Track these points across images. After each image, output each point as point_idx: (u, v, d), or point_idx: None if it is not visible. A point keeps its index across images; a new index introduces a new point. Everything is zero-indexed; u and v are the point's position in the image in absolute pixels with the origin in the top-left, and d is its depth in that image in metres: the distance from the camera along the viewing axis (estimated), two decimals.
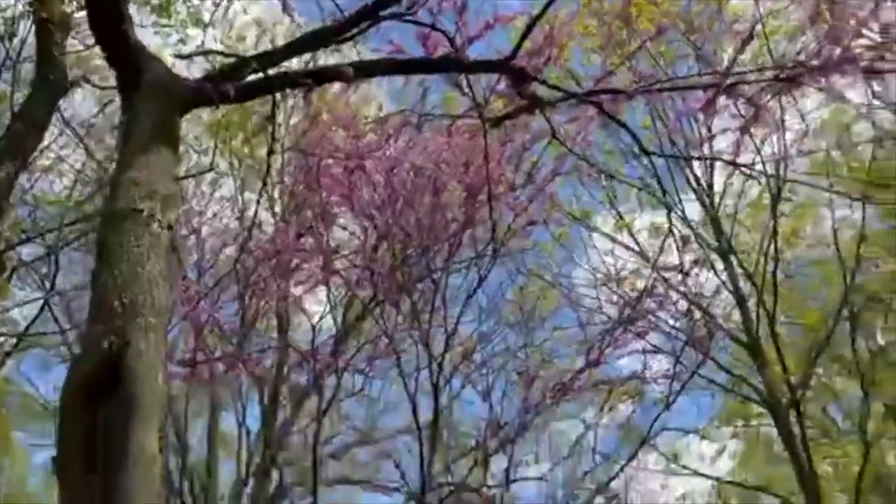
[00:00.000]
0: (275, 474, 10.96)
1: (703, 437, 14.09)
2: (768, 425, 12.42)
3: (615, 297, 9.64)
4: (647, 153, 6.67)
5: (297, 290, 8.92)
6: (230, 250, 9.54)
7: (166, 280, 2.61)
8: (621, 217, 10.55)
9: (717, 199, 10.83)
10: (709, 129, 7.79)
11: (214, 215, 10.45)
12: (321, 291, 9.14)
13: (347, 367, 9.42)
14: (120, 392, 2.25)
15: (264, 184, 7.40)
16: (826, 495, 11.96)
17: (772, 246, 10.24)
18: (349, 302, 10.08)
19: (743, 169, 7.53)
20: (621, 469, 9.10)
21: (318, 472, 9.40)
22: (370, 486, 12.21)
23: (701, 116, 7.15)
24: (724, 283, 10.33)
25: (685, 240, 9.04)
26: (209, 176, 10.43)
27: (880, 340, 11.15)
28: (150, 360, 2.32)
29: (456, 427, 11.11)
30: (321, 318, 9.08)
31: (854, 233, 10.51)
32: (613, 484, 9.90)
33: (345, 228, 8.71)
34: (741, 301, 10.49)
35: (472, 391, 10.00)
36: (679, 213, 10.11)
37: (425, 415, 8.77)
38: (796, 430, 10.49)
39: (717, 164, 10.69)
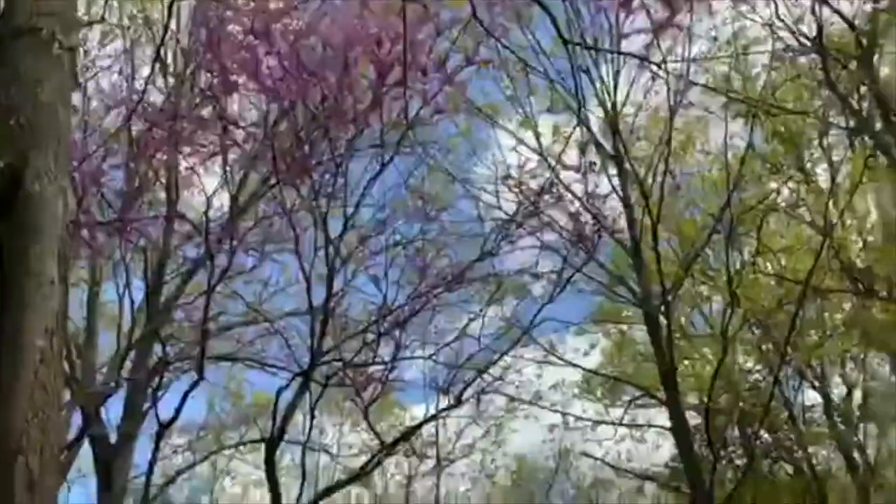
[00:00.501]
0: (157, 348, 10.82)
1: (578, 333, 15.00)
2: (637, 324, 13.28)
3: (513, 195, 9.87)
4: (565, 42, 6.69)
5: (190, 160, 8.58)
6: (119, 111, 8.96)
7: (67, 107, 2.44)
8: (527, 116, 10.68)
9: (618, 107, 11.11)
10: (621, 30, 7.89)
11: (104, 70, 9.73)
12: (216, 164, 8.83)
13: (240, 244, 9.28)
14: (19, 215, 2.13)
15: (163, 39, 6.92)
16: (683, 390, 13.18)
17: (663, 156, 10.68)
18: (245, 177, 9.81)
19: (652, 68, 7.72)
20: (501, 356, 9.60)
21: (205, 348, 9.34)
22: (257, 365, 12.29)
23: (615, 15, 7.21)
24: (614, 188, 10.77)
25: (585, 143, 9.27)
26: (97, 30, 9.66)
27: (748, 254, 12.01)
28: (51, 185, 2.19)
29: (348, 311, 11.25)
30: (215, 192, 8.80)
31: (740, 150, 11.09)
32: (493, 370, 10.44)
33: (246, 100, 8.37)
34: (628, 207, 10.99)
35: (367, 278, 10.13)
36: (583, 115, 10.30)
37: (318, 299, 8.86)
38: (663, 331, 11.34)
39: (622, 73, 10.97)
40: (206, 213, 8.70)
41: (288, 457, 18.87)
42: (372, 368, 10.01)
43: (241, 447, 17.37)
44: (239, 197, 9.88)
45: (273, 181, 9.06)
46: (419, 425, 10.19)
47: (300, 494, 9.22)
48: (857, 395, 16.64)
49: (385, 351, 9.87)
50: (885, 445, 16.69)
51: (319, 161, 8.57)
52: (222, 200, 9.74)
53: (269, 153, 7.99)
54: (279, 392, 8.21)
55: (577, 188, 9.94)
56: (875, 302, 13.35)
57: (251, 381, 17.30)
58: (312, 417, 9.66)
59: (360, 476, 9.97)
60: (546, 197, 9.04)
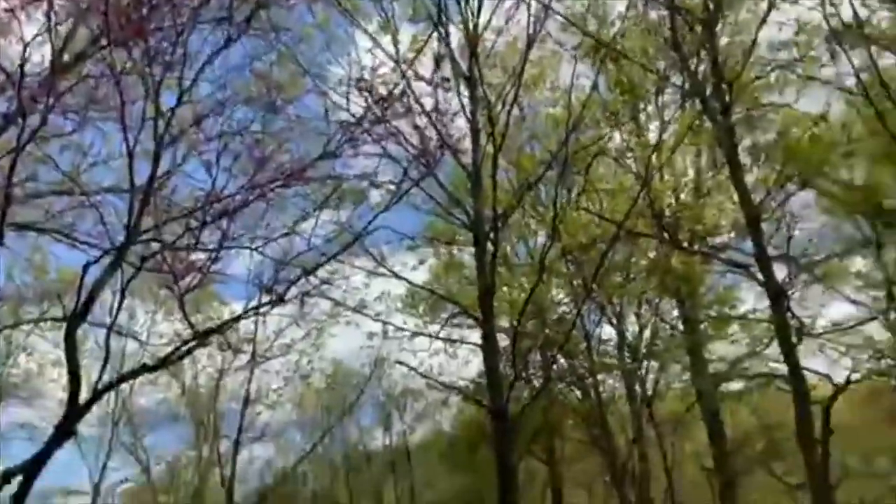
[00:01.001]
0: None
1: (410, 248, 15.29)
2: (467, 246, 13.73)
3: (363, 99, 9.68)
4: None
5: (10, 1, 7.60)
6: None
7: None
8: (388, 19, 10.42)
9: (479, 28, 11.14)
10: None
11: None
12: (41, 11, 7.89)
13: (58, 103, 8.45)
14: None
15: None
16: (497, 313, 13.96)
17: (514, 86, 10.91)
18: (74, 30, 8.86)
19: None
20: (329, 259, 9.57)
21: (6, 213, 8.52)
22: (65, 238, 11.42)
23: None
24: (464, 109, 10.89)
25: (441, 57, 9.23)
26: None
27: (575, 191, 12.65)
28: None
29: (173, 195, 10.66)
30: (34, 38, 7.87)
31: (584, 94, 11.57)
32: (320, 273, 10.39)
33: None
34: (475, 130, 11.19)
35: (198, 162, 9.60)
36: (444, 29, 10.23)
37: (141, 178, 8.32)
38: (488, 256, 11.84)
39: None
40: (21, 64, 7.80)
41: (92, 339, 18.00)
42: (193, 256, 9.63)
43: (42, 323, 16.32)
44: (64, 52, 8.95)
45: (104, 41, 8.26)
46: (236, 318, 9.97)
47: (100, 377, 8.83)
48: (647, 334, 18.39)
49: (210, 240, 9.52)
50: (662, 380, 18.71)
51: (159, 26, 7.92)
52: (44, 54, 8.77)
53: (101, 5, 7.24)
54: (86, 266, 7.67)
55: (427, 103, 9.95)
56: (676, 252, 14.71)
57: (57, 255, 16.14)
58: (122, 299, 9.16)
59: (166, 363, 9.65)
60: (395, 105, 8.96)
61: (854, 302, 18.04)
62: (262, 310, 10.35)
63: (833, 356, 14.87)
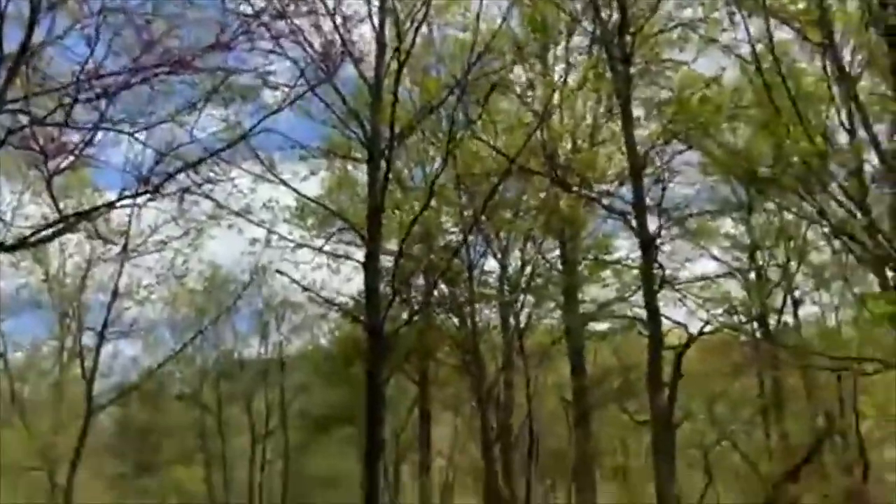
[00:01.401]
0: None
1: (301, 158, 14.94)
2: (362, 162, 13.52)
3: None
4: None
5: None
6: None
7: None
8: None
9: None
10: None
11: None
12: None
13: None
14: None
15: None
16: (386, 233, 13.99)
17: (425, 5, 10.67)
18: None
19: None
20: (213, 154, 9.21)
21: None
22: None
23: None
24: (371, 19, 10.58)
25: None
26: None
27: (473, 115, 12.59)
28: None
29: (48, 67, 9.87)
30: None
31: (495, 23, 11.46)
32: (204, 171, 10.00)
33: None
34: (381, 43, 10.91)
35: (78, 35, 8.88)
36: None
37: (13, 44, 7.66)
38: (382, 174, 11.75)
39: None
40: None
41: None
42: (66, 137, 9.04)
43: None
44: None
45: None
46: (108, 204, 9.54)
47: None
48: (528, 270, 18.97)
49: (86, 122, 8.93)
50: (535, 315, 19.48)
51: None
52: None
53: None
54: None
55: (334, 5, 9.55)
56: (565, 195, 15.12)
57: None
58: None
59: (26, 244, 9.16)
60: (299, 2, 8.56)
61: (718, 260, 19.27)
62: (137, 200, 9.91)
63: (692, 308, 15.90)
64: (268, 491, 33.93)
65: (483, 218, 15.49)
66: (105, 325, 20.29)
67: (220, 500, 30.22)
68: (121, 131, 8.65)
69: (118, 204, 9.66)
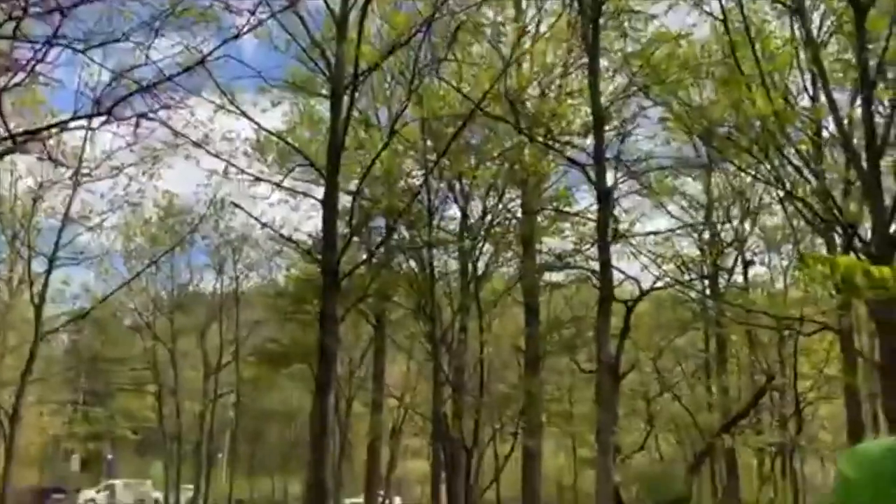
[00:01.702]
0: None
1: (261, 89, 14.62)
2: (327, 99, 13.28)
3: None
4: None
5: None
6: None
7: None
8: None
9: None
10: None
11: None
12: None
13: None
14: None
15: None
16: (347, 174, 13.94)
17: None
18: None
19: None
20: (171, 78, 8.93)
21: None
22: None
23: None
24: None
25: None
26: None
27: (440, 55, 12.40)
28: None
29: None
30: None
31: None
32: (162, 97, 9.72)
33: None
34: None
35: None
36: None
37: None
38: (344, 111, 11.59)
39: None
40: None
41: None
42: (17, 53, 8.70)
43: None
44: None
45: None
46: (59, 123, 9.25)
47: None
48: (489, 217, 19.05)
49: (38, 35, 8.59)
50: (493, 262, 19.65)
51: None
52: None
53: None
54: None
55: None
56: (529, 144, 15.11)
57: None
58: None
59: None
60: None
61: (675, 217, 19.57)
62: (91, 123, 9.65)
63: (645, 262, 16.18)
64: (219, 422, 34.19)
65: (446, 163, 15.43)
66: (56, 251, 19.86)
67: (172, 429, 30.37)
68: (74, 49, 8.35)
69: (71, 125, 9.38)
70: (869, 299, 8.75)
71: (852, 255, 8.09)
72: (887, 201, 8.61)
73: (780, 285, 22.59)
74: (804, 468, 22.19)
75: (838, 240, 14.09)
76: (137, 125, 10.56)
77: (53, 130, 10.17)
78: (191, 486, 32.97)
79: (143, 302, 30.05)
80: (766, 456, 22.06)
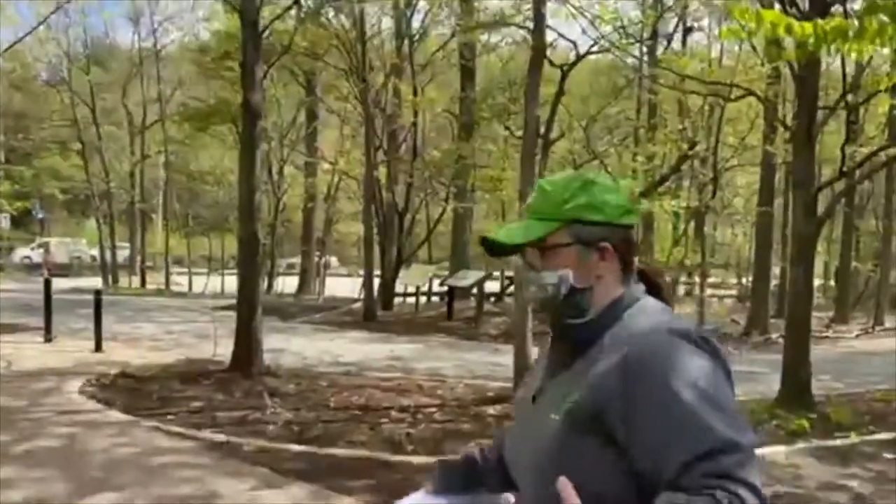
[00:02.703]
0: None
1: None
2: None
3: None
4: None
5: None
6: None
7: None
8: None
9: None
10: None
11: None
12: None
13: None
14: None
15: None
16: None
17: None
18: None
19: None
20: None
21: None
22: None
23: None
24: None
25: None
26: None
27: None
28: None
29: None
30: None
31: None
32: None
33: None
34: None
35: None
36: None
37: None
38: None
39: None
40: None
41: None
42: None
43: None
44: None
45: None
46: None
47: None
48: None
49: None
50: (429, 18, 18.81)
51: None
52: None
53: None
54: None
55: None
56: None
57: None
58: None
59: None
60: None
61: None
62: None
63: (584, 25, 15.70)
64: (150, 183, 33.92)
65: None
66: None
67: (101, 188, 30.03)
68: None
69: None
70: (792, 63, 8.84)
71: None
72: None
73: (715, 54, 22.56)
74: (715, 231, 23.77)
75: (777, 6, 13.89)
76: None
77: None
78: (126, 245, 33.39)
79: (57, 55, 28.18)
80: (681, 220, 23.45)
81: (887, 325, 21.38)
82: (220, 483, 5.08)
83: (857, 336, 19.30)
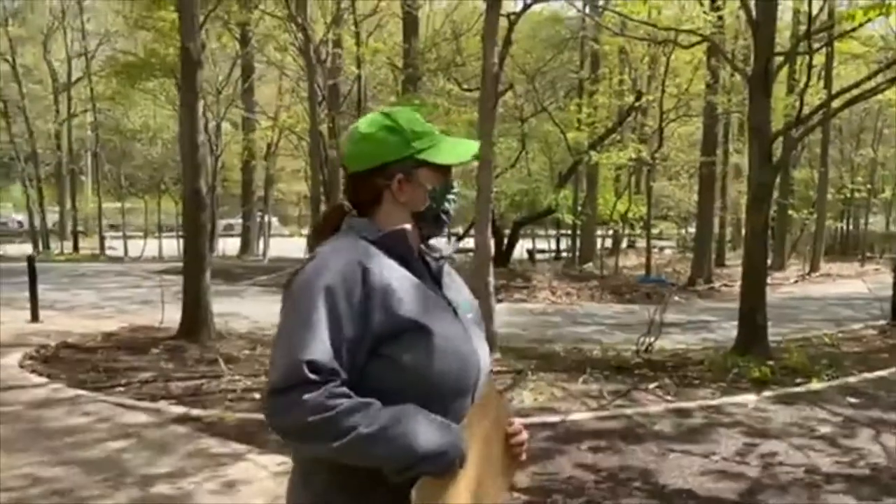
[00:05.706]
0: None
1: None
2: None
3: None
4: None
5: None
6: None
7: None
8: None
9: None
10: None
11: None
12: None
13: None
14: None
15: None
16: None
17: None
18: None
19: None
20: None
21: None
22: None
23: None
24: None
25: None
26: None
27: None
28: None
29: None
30: None
31: None
32: None
33: None
34: None
35: None
36: None
37: None
38: None
39: None
40: None
41: None
42: None
43: None
44: None
45: None
46: None
47: None
48: None
49: None
50: None
51: None
52: None
53: None
54: None
55: None
56: None
57: None
58: None
59: None
60: None
61: None
62: None
63: None
64: (78, 143, 32.32)
65: None
66: None
67: (25, 148, 28.48)
68: None
69: None
70: (749, 5, 8.77)
71: None
72: None
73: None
74: (655, 182, 24.01)
75: None
76: None
77: None
78: (56, 209, 31.91)
79: None
80: (623, 172, 23.62)
81: (822, 270, 22.14)
82: (189, 460, 4.81)
83: (795, 282, 19.92)
